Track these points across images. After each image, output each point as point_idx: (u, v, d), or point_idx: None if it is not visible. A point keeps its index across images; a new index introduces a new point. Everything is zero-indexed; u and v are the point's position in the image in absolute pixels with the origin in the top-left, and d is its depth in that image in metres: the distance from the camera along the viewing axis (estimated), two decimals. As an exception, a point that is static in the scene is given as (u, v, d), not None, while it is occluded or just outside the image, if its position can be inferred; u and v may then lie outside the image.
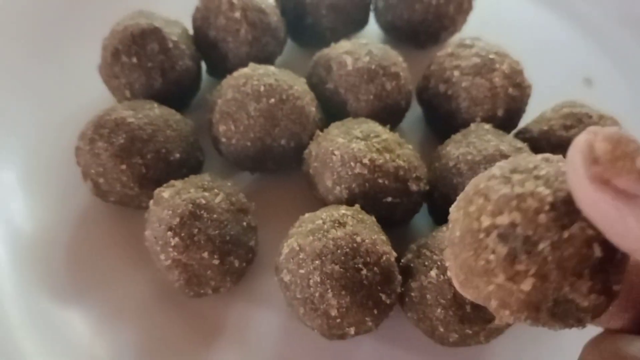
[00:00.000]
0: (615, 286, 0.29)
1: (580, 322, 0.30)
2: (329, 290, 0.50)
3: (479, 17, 0.78)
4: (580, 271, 0.28)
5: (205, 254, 0.54)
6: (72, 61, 0.77)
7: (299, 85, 0.64)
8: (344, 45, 0.67)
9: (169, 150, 0.61)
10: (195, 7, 0.71)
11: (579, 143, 0.26)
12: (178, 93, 0.68)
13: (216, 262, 0.55)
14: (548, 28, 0.87)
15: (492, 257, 0.31)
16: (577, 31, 0.86)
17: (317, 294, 0.51)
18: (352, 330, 0.53)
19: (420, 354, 0.59)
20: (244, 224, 0.58)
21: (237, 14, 0.67)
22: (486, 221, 0.32)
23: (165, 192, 0.57)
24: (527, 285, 0.28)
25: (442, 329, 0.53)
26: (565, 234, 0.28)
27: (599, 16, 0.87)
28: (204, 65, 0.74)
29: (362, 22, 0.79)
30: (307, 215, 0.56)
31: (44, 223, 0.64)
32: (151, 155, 0.60)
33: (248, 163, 0.64)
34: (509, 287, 0.30)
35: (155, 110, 0.62)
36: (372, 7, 0.79)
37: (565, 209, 0.28)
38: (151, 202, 0.57)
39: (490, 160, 0.57)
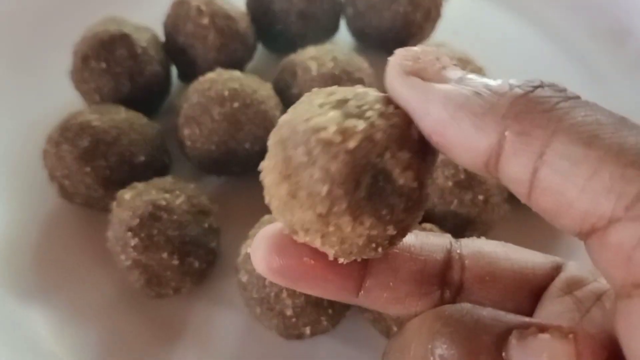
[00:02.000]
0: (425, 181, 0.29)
1: (390, 220, 0.29)
2: (284, 290, 0.51)
3: (448, 25, 0.79)
4: (402, 143, 0.28)
5: (165, 255, 0.55)
6: (44, 66, 0.78)
7: (264, 90, 0.65)
8: (309, 51, 0.68)
9: (134, 153, 0.62)
10: (167, 14, 0.73)
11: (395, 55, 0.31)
12: (147, 97, 0.69)
13: (175, 262, 0.56)
14: (515, 37, 0.88)
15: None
16: (548, 41, 0.87)
17: (272, 294, 0.52)
18: (307, 330, 0.54)
19: (378, 354, 0.59)
20: (205, 225, 0.59)
21: (205, 21, 0.68)
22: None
23: (126, 194, 0.58)
24: (352, 142, 0.28)
25: (396, 329, 0.54)
26: (390, 108, 0.29)
27: (570, 26, 0.88)
28: (175, 71, 0.75)
29: (333, 29, 0.80)
30: (266, 217, 0.57)
31: (10, 224, 0.65)
32: (115, 158, 0.61)
33: (213, 166, 0.65)
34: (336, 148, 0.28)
35: (121, 114, 0.63)
36: (343, 14, 0.80)
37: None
38: (114, 203, 0.58)
39: (447, 163, 0.58)
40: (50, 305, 0.61)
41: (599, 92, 0.81)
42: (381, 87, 0.69)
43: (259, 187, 0.66)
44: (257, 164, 0.63)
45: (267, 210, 0.58)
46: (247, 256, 0.53)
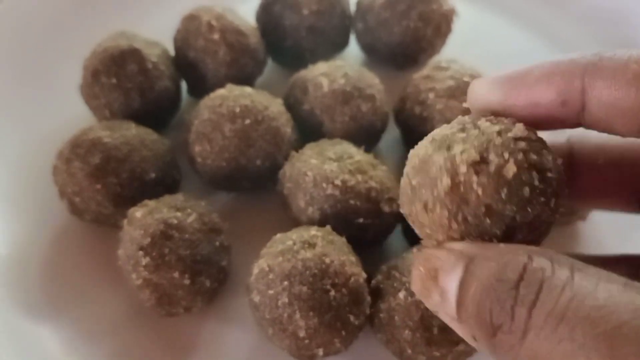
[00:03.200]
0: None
1: None
2: (297, 311, 0.51)
3: (458, 40, 0.79)
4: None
5: (176, 274, 0.55)
6: (54, 81, 0.78)
7: (275, 107, 0.64)
8: (320, 67, 0.68)
9: (144, 169, 0.61)
10: (177, 29, 0.73)
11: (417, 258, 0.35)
12: (157, 113, 0.69)
13: (187, 282, 0.55)
14: (526, 50, 0.88)
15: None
16: (555, 54, 0.87)
17: (285, 315, 0.51)
18: (320, 352, 0.53)
19: (390, 375, 0.59)
20: (217, 244, 0.59)
21: (216, 36, 0.68)
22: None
23: (138, 212, 0.57)
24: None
25: (409, 351, 0.53)
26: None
27: (579, 40, 0.88)
28: (185, 86, 0.75)
29: (343, 44, 0.80)
30: (278, 235, 0.57)
31: (20, 240, 0.65)
32: (126, 175, 0.60)
33: (223, 182, 0.65)
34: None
35: (132, 130, 0.63)
36: (352, 29, 0.80)
37: None
38: (125, 221, 0.58)
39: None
40: (61, 322, 0.60)
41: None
42: (390, 102, 0.70)
43: (268, 203, 0.67)
44: (268, 181, 0.64)
45: (277, 227, 0.59)
46: (260, 276, 0.53)
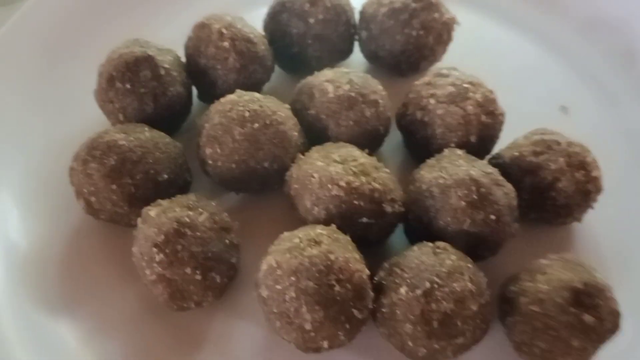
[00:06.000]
0: None
1: None
2: (304, 305, 0.53)
3: (458, 47, 0.82)
4: None
5: (188, 270, 0.58)
6: (70, 87, 0.81)
7: (283, 111, 0.67)
8: (326, 73, 0.71)
9: (158, 171, 0.64)
10: (188, 36, 0.75)
11: None
12: (169, 117, 0.72)
13: (198, 277, 0.58)
14: (526, 58, 0.90)
15: None
16: (555, 61, 0.89)
17: (292, 309, 0.54)
18: (325, 344, 0.56)
19: (393, 368, 0.61)
20: (227, 241, 0.61)
21: (226, 44, 0.71)
22: None
23: (152, 211, 0.60)
24: None
25: (411, 344, 0.56)
26: None
27: (582, 48, 0.90)
28: (195, 91, 0.77)
29: (347, 52, 0.83)
30: (285, 234, 0.59)
31: (38, 240, 0.68)
32: (140, 176, 0.63)
33: (233, 184, 0.68)
34: None
35: (146, 133, 0.66)
36: (356, 37, 0.82)
37: None
38: (139, 220, 0.60)
39: (460, 184, 0.60)
40: (77, 317, 0.63)
41: (611, 113, 0.84)
42: (393, 108, 0.72)
43: (276, 204, 0.70)
44: (275, 182, 0.67)
45: (284, 227, 0.61)
46: (268, 272, 0.55)
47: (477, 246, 0.61)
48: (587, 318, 0.55)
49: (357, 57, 0.85)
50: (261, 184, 0.68)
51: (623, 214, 0.74)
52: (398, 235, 0.67)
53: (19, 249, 0.67)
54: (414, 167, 0.69)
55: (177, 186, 0.66)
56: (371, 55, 0.83)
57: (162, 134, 0.68)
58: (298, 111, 0.71)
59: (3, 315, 0.63)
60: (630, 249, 0.71)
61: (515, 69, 0.87)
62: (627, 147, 0.80)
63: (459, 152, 0.65)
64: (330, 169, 0.61)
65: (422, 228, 0.63)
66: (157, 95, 0.70)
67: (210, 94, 0.73)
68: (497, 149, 0.72)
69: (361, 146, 0.66)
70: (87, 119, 0.75)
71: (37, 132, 0.77)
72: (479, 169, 0.62)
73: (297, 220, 0.64)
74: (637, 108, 0.84)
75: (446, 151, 0.66)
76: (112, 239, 0.68)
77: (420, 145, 0.71)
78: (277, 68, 0.82)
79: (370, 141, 0.70)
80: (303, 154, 0.66)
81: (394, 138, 0.76)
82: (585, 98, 0.86)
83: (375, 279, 0.59)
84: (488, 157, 0.71)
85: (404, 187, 0.66)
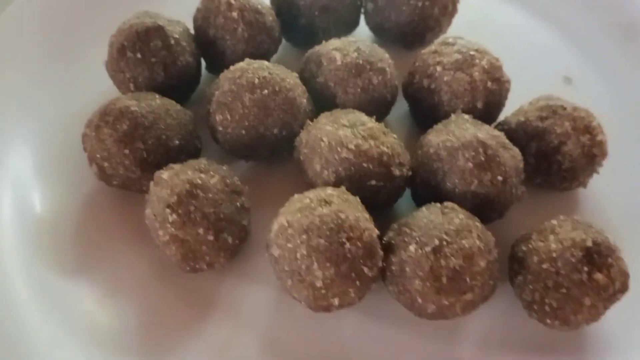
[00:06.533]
0: None
1: None
2: (315, 263, 0.54)
3: (463, 20, 0.83)
4: None
5: (201, 230, 0.59)
6: (80, 57, 0.82)
7: (291, 79, 0.68)
8: (333, 42, 0.72)
9: (169, 137, 0.65)
10: (197, 8, 0.76)
11: None
12: (179, 86, 0.73)
13: (211, 237, 0.59)
14: (530, 31, 0.91)
15: None
16: (558, 34, 0.91)
17: (303, 267, 0.55)
18: (336, 302, 0.56)
19: (402, 327, 0.62)
20: (238, 204, 0.62)
21: (235, 14, 0.72)
22: None
23: (164, 174, 0.61)
24: None
25: (420, 300, 0.57)
26: None
27: (581, 21, 0.92)
28: (203, 63, 0.78)
29: (354, 24, 0.84)
30: (296, 195, 0.60)
31: (53, 206, 0.69)
32: (152, 141, 0.64)
33: (243, 150, 0.68)
34: None
35: (157, 101, 0.67)
36: (362, 9, 0.83)
37: None
38: (152, 183, 0.61)
39: (467, 146, 0.61)
40: (92, 280, 0.65)
41: (610, 86, 0.85)
42: (399, 79, 0.73)
43: (285, 171, 0.72)
44: (284, 149, 0.68)
45: (294, 192, 0.62)
46: (280, 231, 0.56)
47: (484, 208, 0.62)
48: (599, 277, 0.56)
49: (363, 30, 0.86)
50: (270, 150, 0.69)
51: (626, 181, 0.75)
52: (406, 201, 0.68)
53: (34, 214, 0.69)
54: (420, 135, 0.69)
55: (187, 152, 0.67)
56: (377, 27, 0.84)
57: (172, 101, 0.69)
58: (306, 79, 0.72)
59: (19, 280, 0.64)
60: (635, 215, 0.72)
61: (519, 41, 0.89)
62: (628, 117, 0.81)
63: (466, 116, 0.66)
64: (340, 132, 0.62)
65: (429, 192, 0.64)
66: (167, 65, 0.71)
67: (219, 65, 0.74)
68: (503, 117, 0.73)
69: (368, 113, 0.67)
70: (99, 90, 0.75)
71: (51, 103, 0.78)
72: (486, 132, 0.63)
73: (307, 187, 0.65)
74: (636, 81, 0.85)
75: (453, 116, 0.67)
76: (124, 205, 0.69)
77: (427, 113, 0.72)
78: (284, 42, 0.83)
79: (377, 109, 0.70)
80: (312, 121, 0.66)
81: (400, 109, 0.77)
82: (584, 70, 0.87)
83: (384, 239, 0.60)
84: (494, 124, 0.72)
85: (411, 154, 0.67)
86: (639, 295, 0.62)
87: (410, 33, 0.81)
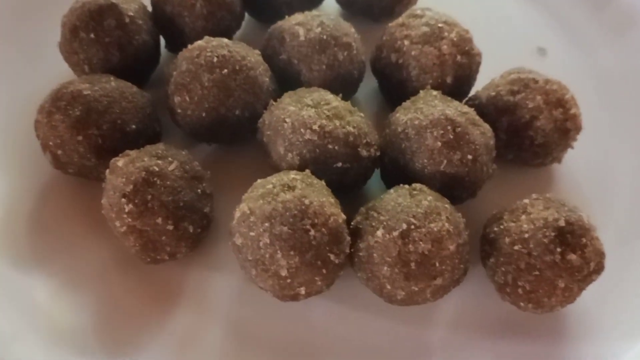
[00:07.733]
0: None
1: None
2: (278, 251, 0.52)
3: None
4: None
5: (159, 220, 0.56)
6: (32, 40, 0.78)
7: (253, 57, 0.65)
8: (297, 17, 0.69)
9: (125, 121, 0.62)
10: (153, -16, 0.73)
11: None
12: (136, 67, 0.70)
13: (170, 227, 0.57)
14: (502, 1, 0.89)
15: None
16: (531, 4, 0.88)
17: (267, 255, 0.53)
18: (302, 290, 0.55)
19: (372, 313, 0.61)
20: (199, 191, 0.60)
21: (193, -11, 0.69)
22: None
23: (119, 161, 0.58)
24: None
25: (389, 287, 0.55)
26: None
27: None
28: (163, 41, 0.75)
29: (319, -3, 0.81)
30: (259, 181, 0.58)
31: (7, 195, 0.66)
32: (107, 126, 0.61)
33: (204, 133, 0.66)
34: None
35: (112, 83, 0.64)
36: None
37: None
38: (107, 171, 0.59)
39: (436, 124, 0.59)
40: (48, 271, 0.62)
41: (581, 56, 0.83)
42: (367, 52, 0.71)
43: (248, 155, 0.69)
44: (247, 131, 0.65)
45: (257, 176, 0.60)
46: (242, 219, 0.54)
47: (455, 188, 0.60)
48: (573, 257, 0.54)
49: (329, 3, 0.83)
50: (233, 133, 0.66)
51: (602, 155, 0.73)
52: (375, 182, 0.66)
53: (-13, 205, 0.66)
54: (390, 113, 0.67)
55: (146, 137, 0.64)
56: (344, 1, 0.81)
57: (129, 84, 0.66)
58: (269, 57, 0.69)
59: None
60: (610, 190, 0.71)
61: (490, 13, 0.86)
62: (600, 88, 0.80)
63: (435, 92, 0.64)
64: (303, 112, 0.59)
65: (398, 172, 0.62)
66: (123, 45, 0.67)
67: (179, 43, 0.71)
68: (475, 91, 0.70)
69: (335, 91, 0.64)
70: (53, 73, 0.72)
71: (2, 88, 0.74)
72: (455, 109, 0.61)
73: (272, 170, 0.63)
74: (606, 51, 0.84)
75: (422, 92, 0.64)
76: (81, 193, 0.66)
77: (395, 89, 0.70)
78: (248, 18, 0.80)
79: (344, 86, 0.68)
80: (275, 101, 0.64)
81: (369, 85, 0.74)
82: (556, 41, 0.85)
83: (352, 224, 0.58)
84: (465, 99, 0.70)
85: (380, 133, 0.65)
86: (615, 274, 0.61)
87: (378, 5, 0.78)
